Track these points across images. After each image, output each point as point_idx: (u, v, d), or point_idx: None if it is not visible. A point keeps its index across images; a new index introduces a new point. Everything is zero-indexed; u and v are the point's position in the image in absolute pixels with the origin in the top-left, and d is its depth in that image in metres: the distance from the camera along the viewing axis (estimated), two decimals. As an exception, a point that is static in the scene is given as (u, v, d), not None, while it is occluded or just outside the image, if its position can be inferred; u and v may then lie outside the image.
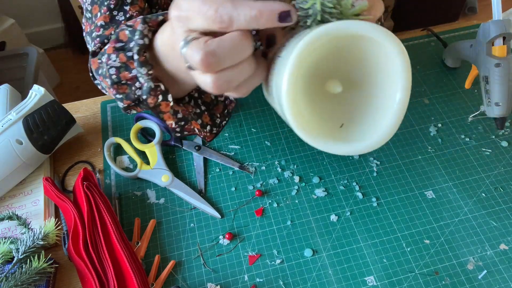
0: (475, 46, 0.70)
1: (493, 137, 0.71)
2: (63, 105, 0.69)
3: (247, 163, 0.69)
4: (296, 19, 0.32)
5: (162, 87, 0.45)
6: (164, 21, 0.45)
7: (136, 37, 0.44)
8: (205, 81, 0.35)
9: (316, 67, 0.33)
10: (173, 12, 0.36)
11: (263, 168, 0.68)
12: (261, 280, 0.58)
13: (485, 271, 0.57)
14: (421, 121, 0.73)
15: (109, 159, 0.68)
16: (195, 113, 0.53)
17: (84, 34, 0.61)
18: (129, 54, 0.46)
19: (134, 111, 0.53)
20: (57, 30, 2.04)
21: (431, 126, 0.73)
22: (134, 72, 0.46)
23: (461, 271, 0.58)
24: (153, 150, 0.68)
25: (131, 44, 0.44)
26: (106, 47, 0.48)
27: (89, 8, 0.59)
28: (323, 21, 0.32)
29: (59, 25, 2.02)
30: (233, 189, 0.66)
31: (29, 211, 0.63)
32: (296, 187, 0.66)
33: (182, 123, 0.50)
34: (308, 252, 0.60)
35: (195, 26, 0.35)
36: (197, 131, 0.53)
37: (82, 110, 0.77)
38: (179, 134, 0.51)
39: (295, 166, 0.68)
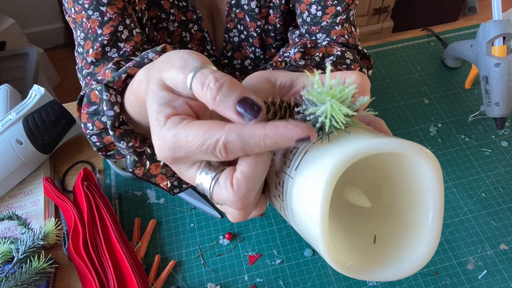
0: (475, 46, 0.70)
1: (493, 137, 0.71)
2: (63, 105, 0.69)
3: (247, 163, 0.69)
4: (315, 141, 0.28)
5: (148, 150, 0.42)
6: (129, 76, 0.40)
7: (105, 107, 0.40)
8: (234, 213, 0.32)
9: (338, 179, 0.28)
10: (162, 156, 0.30)
11: (263, 168, 0.68)
12: (261, 280, 0.58)
13: (485, 271, 0.57)
14: (421, 121, 0.73)
15: (109, 159, 0.68)
16: None
17: (76, 68, 0.59)
18: (104, 119, 0.43)
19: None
20: (57, 30, 2.04)
21: (431, 126, 0.73)
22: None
23: (461, 271, 0.58)
24: (153, 150, 0.68)
25: (104, 107, 0.41)
26: (81, 112, 0.46)
27: (81, 43, 0.56)
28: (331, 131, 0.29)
29: (59, 25, 2.02)
30: (233, 189, 0.66)
31: (29, 211, 0.63)
32: (296, 187, 0.66)
33: (176, 183, 0.47)
34: (308, 252, 0.60)
35: (198, 160, 0.30)
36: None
37: (82, 110, 0.77)
38: (177, 190, 0.47)
39: (295, 166, 0.68)
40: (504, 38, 0.66)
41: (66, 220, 0.61)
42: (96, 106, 0.44)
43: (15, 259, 0.55)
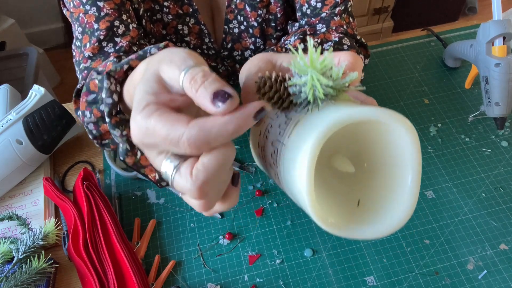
0: (475, 46, 0.70)
1: (493, 137, 0.71)
2: (63, 105, 0.69)
3: (247, 163, 0.69)
4: (269, 110, 0.31)
5: (138, 153, 0.43)
6: (130, 67, 0.42)
7: (104, 95, 0.41)
8: (194, 204, 0.34)
9: (325, 149, 0.31)
10: (134, 138, 0.32)
11: (263, 168, 0.68)
12: (261, 280, 0.58)
13: (485, 271, 0.57)
14: (421, 121, 0.73)
15: (109, 159, 0.68)
16: None
17: (74, 61, 0.59)
18: (102, 108, 0.45)
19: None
20: (57, 30, 2.04)
21: (431, 126, 0.73)
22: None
23: (461, 271, 0.58)
24: (153, 150, 0.68)
25: (102, 98, 0.42)
26: (80, 100, 0.47)
27: (79, 37, 0.57)
28: (318, 103, 0.32)
29: (59, 25, 2.02)
30: (233, 189, 0.66)
31: (29, 211, 0.63)
32: (296, 187, 0.66)
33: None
34: (308, 252, 0.60)
35: (165, 150, 0.32)
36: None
37: (82, 110, 0.77)
38: (165, 183, 0.47)
39: (295, 166, 0.68)
40: (504, 38, 0.66)
41: (66, 220, 0.61)
42: (95, 95, 0.46)
43: (15, 259, 0.55)
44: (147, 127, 0.30)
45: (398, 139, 0.32)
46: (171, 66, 0.31)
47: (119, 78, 0.42)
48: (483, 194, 0.65)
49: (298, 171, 0.30)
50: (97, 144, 0.51)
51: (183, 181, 0.31)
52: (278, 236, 0.61)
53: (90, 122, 0.47)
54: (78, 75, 0.57)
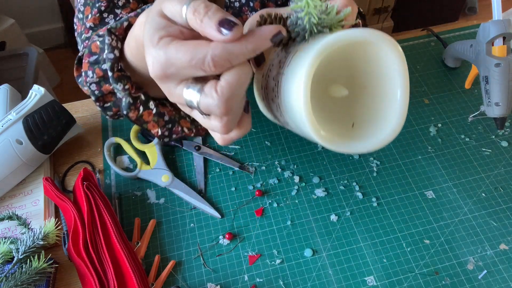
0: (475, 46, 0.70)
1: (493, 137, 0.71)
2: (63, 105, 0.69)
3: (247, 163, 0.69)
4: (285, 34, 0.34)
5: (142, 97, 0.45)
6: (130, 25, 0.43)
7: (106, 51, 0.43)
8: (217, 126, 0.35)
9: (320, 74, 0.34)
10: (154, 72, 0.33)
11: (263, 168, 0.68)
12: (261, 280, 0.58)
13: (485, 271, 0.57)
14: (421, 121, 0.73)
15: (109, 159, 0.68)
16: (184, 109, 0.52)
17: (75, 34, 0.61)
18: (104, 67, 0.46)
19: (122, 118, 0.53)
20: (57, 30, 2.04)
21: (431, 126, 0.73)
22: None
23: (461, 271, 0.58)
24: (153, 150, 0.68)
25: (105, 55, 0.43)
26: (82, 61, 0.49)
27: (81, 9, 0.58)
28: (315, 32, 0.35)
29: (59, 25, 2.02)
30: (233, 189, 0.66)
31: (29, 211, 0.63)
32: (296, 187, 0.66)
33: (170, 125, 0.49)
34: (308, 252, 0.60)
35: (187, 76, 0.33)
36: (186, 130, 0.51)
37: (82, 110, 0.77)
38: (167, 139, 0.49)
39: (295, 166, 0.68)
40: (504, 38, 0.66)
41: (66, 220, 0.61)
42: (96, 56, 0.47)
43: (15, 259, 0.55)
44: (166, 57, 0.32)
45: (386, 58, 0.34)
46: (173, 2, 0.33)
47: (120, 35, 0.43)
48: (483, 194, 0.65)
49: (296, 88, 0.33)
50: (99, 108, 0.51)
51: (209, 99, 0.32)
52: (278, 236, 0.61)
53: (93, 83, 0.48)
54: (79, 47, 0.58)
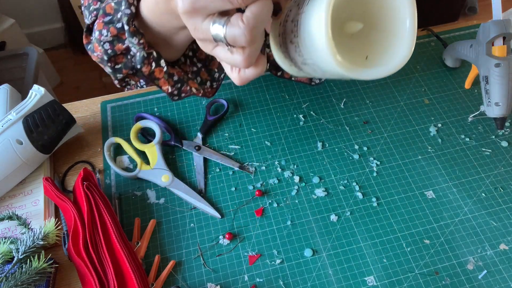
0: (475, 46, 0.70)
1: (493, 137, 0.71)
2: (63, 105, 0.69)
3: (247, 163, 0.69)
4: None
5: (155, 54, 0.48)
6: None
7: (123, 7, 0.46)
8: (239, 59, 0.39)
9: (336, 13, 0.36)
10: (183, 6, 0.36)
11: (263, 168, 0.68)
12: (261, 280, 0.58)
13: (485, 271, 0.57)
14: (421, 121, 0.73)
15: (109, 159, 0.68)
16: (193, 72, 0.55)
17: (82, 9, 0.62)
18: (119, 25, 0.48)
19: (129, 86, 0.56)
20: (57, 30, 2.04)
21: (431, 126, 0.73)
22: (126, 42, 0.49)
23: (461, 271, 0.58)
24: (153, 150, 0.68)
25: (119, 15, 0.46)
26: (96, 23, 0.51)
27: None
28: None
29: (59, 25, 2.02)
30: (233, 189, 0.66)
31: (29, 211, 0.63)
32: (296, 187, 0.66)
33: (179, 85, 0.53)
34: (308, 252, 0.60)
35: (213, 11, 0.36)
36: (194, 90, 0.55)
37: (82, 110, 0.77)
38: (176, 98, 0.53)
39: (295, 166, 0.68)
40: (504, 38, 0.66)
41: (66, 220, 0.61)
42: (111, 16, 0.49)
43: (15, 259, 0.55)
44: None
45: None
46: None
47: None
48: (483, 194, 0.65)
49: (318, 17, 0.35)
50: (110, 69, 0.53)
51: (236, 29, 0.35)
52: (278, 236, 0.61)
53: (106, 42, 0.50)
54: (86, 20, 0.59)
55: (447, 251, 0.59)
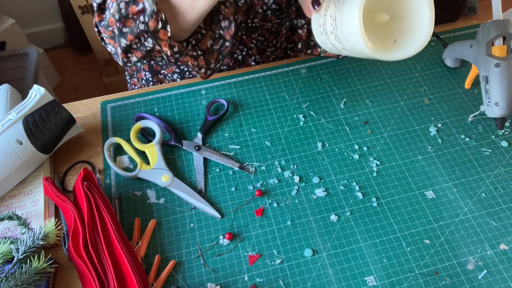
0: (475, 46, 0.70)
1: (493, 137, 0.71)
2: (63, 105, 0.69)
3: (247, 163, 0.69)
4: None
5: (163, 16, 0.52)
6: None
7: None
8: None
9: (366, 7, 0.45)
10: None
11: (263, 168, 0.68)
12: (261, 280, 0.58)
13: (485, 271, 0.57)
14: (421, 121, 0.73)
15: (109, 159, 0.68)
16: (192, 56, 0.59)
17: None
18: None
19: (131, 61, 0.61)
20: (57, 30, 2.04)
21: (431, 126, 0.73)
22: (140, 6, 0.54)
23: (461, 271, 0.58)
24: (153, 150, 0.68)
25: None
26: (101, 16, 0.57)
27: None
28: None
29: (59, 25, 2.01)
30: (233, 189, 0.66)
31: (29, 211, 0.63)
32: (296, 187, 0.66)
33: (177, 55, 0.56)
34: (308, 252, 0.60)
35: None
36: (190, 65, 0.59)
37: (82, 110, 0.77)
38: (173, 64, 0.58)
39: (295, 166, 0.68)
40: (504, 38, 0.66)
41: (66, 220, 0.61)
42: None
43: (15, 259, 0.55)
44: None
45: None
46: None
47: None
48: (483, 194, 0.65)
49: (352, 16, 0.44)
50: (117, 31, 0.57)
51: None
52: (278, 236, 0.61)
53: (123, 1, 0.54)
54: (94, 2, 0.63)
55: (447, 251, 0.59)
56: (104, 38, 0.62)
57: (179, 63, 0.59)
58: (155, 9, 0.51)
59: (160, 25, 0.53)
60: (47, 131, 0.64)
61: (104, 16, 0.60)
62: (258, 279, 0.58)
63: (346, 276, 0.58)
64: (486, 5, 2.20)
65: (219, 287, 0.57)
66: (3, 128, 0.62)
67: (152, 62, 0.75)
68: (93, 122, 0.75)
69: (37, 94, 0.65)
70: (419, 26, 0.48)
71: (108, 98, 0.78)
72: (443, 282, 0.57)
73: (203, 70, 0.62)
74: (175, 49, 0.55)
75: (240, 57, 0.83)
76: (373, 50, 0.46)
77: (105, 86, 1.90)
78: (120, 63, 0.64)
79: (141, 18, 0.54)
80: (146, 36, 0.57)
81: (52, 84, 1.90)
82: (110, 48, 0.64)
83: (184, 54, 0.57)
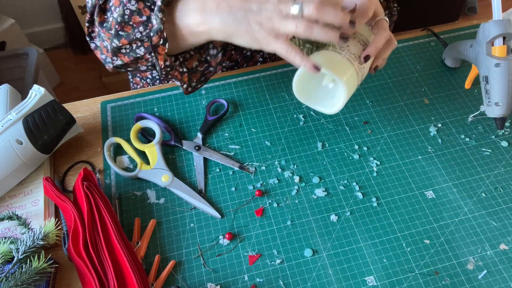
0: (475, 46, 0.70)
1: (493, 137, 0.71)
2: (63, 105, 0.69)
3: (247, 163, 0.69)
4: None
5: (165, 34, 0.57)
6: None
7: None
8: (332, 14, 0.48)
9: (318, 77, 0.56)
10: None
11: (263, 168, 0.68)
12: (261, 280, 0.58)
13: (485, 271, 0.57)
14: (421, 121, 0.73)
15: (109, 159, 0.68)
16: (179, 71, 0.63)
17: None
18: (147, 3, 0.58)
19: (111, 65, 0.65)
20: (57, 30, 2.04)
21: (431, 126, 0.73)
22: (144, 17, 0.58)
23: (461, 271, 0.58)
24: (153, 150, 0.68)
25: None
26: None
27: None
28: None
29: (59, 25, 2.01)
30: (233, 189, 0.66)
31: (29, 211, 0.63)
32: (296, 187, 0.66)
33: (168, 69, 0.61)
34: (308, 252, 0.60)
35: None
36: (178, 79, 0.65)
37: (82, 110, 0.77)
38: (164, 74, 0.62)
39: (295, 166, 0.68)
40: (504, 38, 0.65)
41: (66, 220, 0.61)
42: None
43: (15, 259, 0.55)
44: None
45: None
46: None
47: None
48: (483, 194, 0.65)
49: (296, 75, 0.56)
50: (113, 31, 0.60)
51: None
52: (278, 236, 0.61)
53: (129, 9, 0.58)
54: (89, 3, 0.65)
55: (447, 251, 0.59)
56: (103, 37, 0.63)
57: (169, 76, 0.63)
58: (162, 28, 0.56)
59: (161, 42, 0.57)
60: (47, 131, 0.64)
61: (106, 17, 0.62)
62: (258, 279, 0.58)
63: (346, 276, 0.58)
64: (486, 5, 2.20)
65: (219, 287, 0.57)
66: (3, 128, 0.62)
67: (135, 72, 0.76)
68: (93, 122, 0.75)
69: (37, 94, 0.65)
70: (338, 100, 0.56)
71: (108, 98, 0.78)
72: (443, 282, 0.57)
73: (185, 86, 0.66)
74: (167, 63, 0.60)
75: (248, 53, 0.84)
76: (299, 96, 0.57)
77: (105, 86, 1.90)
78: (109, 66, 0.67)
79: (141, 28, 0.59)
80: (139, 44, 0.60)
81: (52, 84, 1.90)
82: (100, 54, 0.67)
83: (174, 69, 0.62)
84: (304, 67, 0.51)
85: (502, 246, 0.60)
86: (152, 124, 0.71)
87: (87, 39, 0.68)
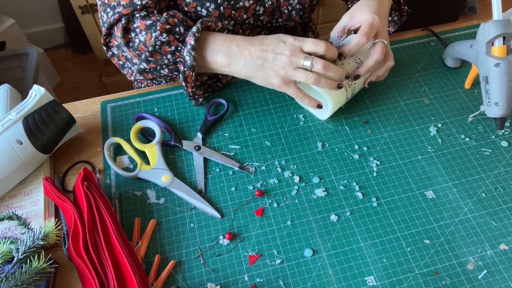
0: (475, 46, 0.70)
1: (493, 137, 0.71)
2: (63, 105, 0.69)
3: (247, 163, 0.69)
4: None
5: (194, 68, 0.65)
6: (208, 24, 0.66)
7: (194, 30, 0.64)
8: (307, 76, 0.61)
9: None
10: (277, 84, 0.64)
11: (263, 168, 0.68)
12: (261, 280, 0.58)
13: (485, 271, 0.57)
14: (421, 121, 0.73)
15: (109, 159, 0.68)
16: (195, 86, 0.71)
17: (99, 3, 0.71)
18: (177, 36, 0.65)
19: (143, 77, 0.71)
20: (57, 30, 2.04)
21: (431, 126, 0.73)
22: (172, 48, 0.65)
23: (461, 271, 0.58)
24: (153, 150, 0.68)
25: (181, 29, 0.65)
26: (139, 23, 0.66)
27: None
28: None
29: (59, 25, 2.01)
30: (233, 189, 0.66)
31: (29, 211, 0.63)
32: (296, 187, 0.66)
33: (195, 89, 0.69)
34: (308, 252, 0.60)
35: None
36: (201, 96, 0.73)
37: (82, 110, 0.77)
38: (191, 95, 0.70)
39: (295, 166, 0.68)
40: (504, 38, 0.66)
41: (66, 220, 0.61)
42: (170, 26, 0.65)
43: (15, 259, 0.55)
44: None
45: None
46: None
47: (204, 27, 0.67)
48: (483, 194, 0.65)
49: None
50: (144, 57, 0.67)
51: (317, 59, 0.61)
52: (278, 236, 0.61)
53: (161, 41, 0.64)
54: (103, 18, 0.71)
55: (447, 251, 0.59)
56: (127, 55, 0.71)
57: (196, 96, 0.72)
58: (194, 65, 0.65)
59: (192, 74, 0.66)
60: (47, 131, 0.64)
61: (130, 37, 0.68)
62: (258, 279, 0.58)
63: (346, 276, 0.58)
64: (486, 5, 2.20)
65: (219, 287, 0.57)
66: (3, 128, 0.62)
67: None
68: (93, 122, 0.75)
69: (37, 94, 0.65)
70: (327, 110, 0.69)
71: (108, 98, 0.78)
72: (443, 282, 0.57)
73: (191, 94, 0.71)
74: (192, 84, 0.68)
75: None
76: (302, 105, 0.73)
77: (105, 86, 1.90)
78: (131, 77, 0.75)
79: (169, 56, 0.66)
80: (164, 67, 0.67)
81: (52, 84, 1.90)
82: (117, 60, 0.75)
83: (198, 89, 0.70)
84: (312, 107, 0.66)
85: (502, 246, 0.60)
86: (152, 124, 0.71)
87: (104, 48, 0.75)
